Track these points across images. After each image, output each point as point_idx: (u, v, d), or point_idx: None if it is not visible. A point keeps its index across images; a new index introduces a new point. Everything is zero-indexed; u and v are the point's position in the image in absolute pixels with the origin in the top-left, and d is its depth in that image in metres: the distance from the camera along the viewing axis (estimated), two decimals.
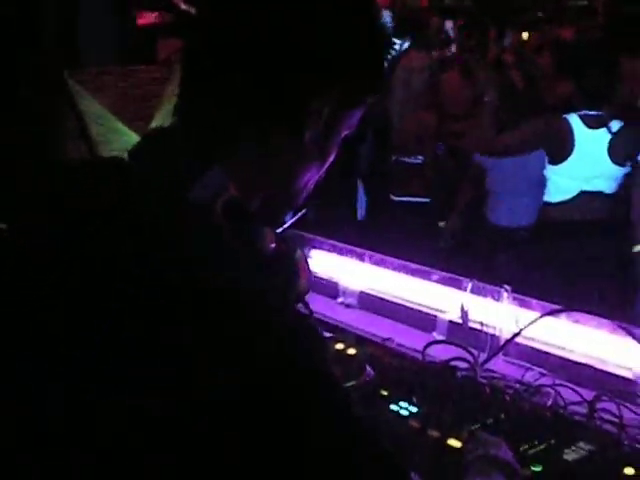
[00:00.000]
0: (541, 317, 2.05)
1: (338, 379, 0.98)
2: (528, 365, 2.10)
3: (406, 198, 4.99)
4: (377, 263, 2.59)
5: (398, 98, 5.36)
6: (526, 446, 1.64)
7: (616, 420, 1.80)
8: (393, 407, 1.80)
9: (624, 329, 1.95)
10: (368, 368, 1.97)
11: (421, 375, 1.98)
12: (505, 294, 2.15)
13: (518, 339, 2.13)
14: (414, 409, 1.79)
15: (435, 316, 2.43)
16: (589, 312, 2.02)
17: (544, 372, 2.05)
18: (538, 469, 1.55)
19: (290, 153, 1.09)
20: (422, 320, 2.47)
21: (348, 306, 2.71)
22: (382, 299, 2.60)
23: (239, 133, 1.05)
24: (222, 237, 0.99)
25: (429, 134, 4.90)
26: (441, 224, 4.75)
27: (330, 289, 2.78)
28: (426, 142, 4.93)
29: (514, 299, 2.17)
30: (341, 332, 2.39)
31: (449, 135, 4.75)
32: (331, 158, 1.15)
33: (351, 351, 2.12)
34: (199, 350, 0.86)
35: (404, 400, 1.83)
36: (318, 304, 2.71)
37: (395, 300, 2.55)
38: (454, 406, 1.79)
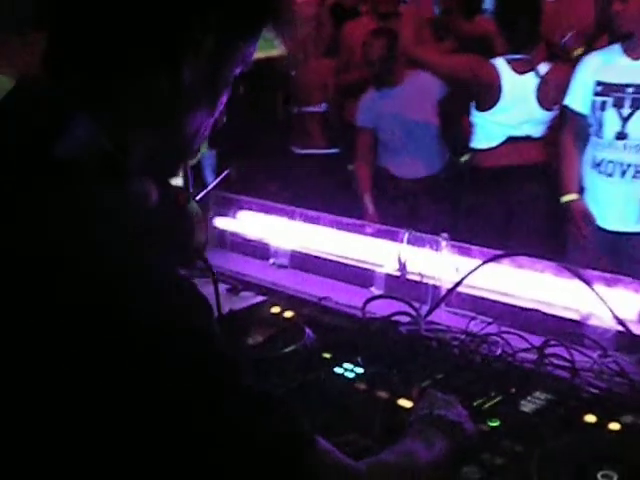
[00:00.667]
0: (484, 264, 1.96)
1: (225, 345, 0.92)
2: (472, 314, 2.01)
3: (310, 151, 4.87)
4: (309, 220, 2.47)
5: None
6: (480, 401, 1.55)
7: (568, 365, 1.73)
8: (337, 370, 1.69)
9: (570, 270, 1.87)
10: (307, 330, 1.85)
11: (363, 333, 1.88)
12: (444, 243, 2.05)
13: (460, 288, 2.04)
14: (360, 370, 1.69)
15: (372, 271, 2.33)
16: (532, 255, 1.94)
17: (489, 321, 1.96)
18: (495, 424, 1.46)
19: (171, 96, 0.95)
20: (359, 276, 2.37)
21: (280, 266, 2.59)
22: (316, 257, 2.49)
23: (110, 77, 0.92)
24: (88, 197, 0.87)
25: (330, 82, 4.79)
26: (350, 167, 4.64)
27: (261, 250, 2.66)
28: (328, 90, 4.80)
29: (453, 247, 2.08)
30: (275, 294, 2.27)
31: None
32: (222, 100, 1.03)
33: (287, 314, 2.00)
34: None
35: (348, 362, 1.72)
36: (249, 266, 2.60)
37: (329, 257, 2.44)
38: (401, 364, 1.69)
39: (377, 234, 2.27)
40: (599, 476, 1.28)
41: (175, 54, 0.92)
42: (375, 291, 2.30)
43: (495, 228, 3.70)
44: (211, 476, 0.86)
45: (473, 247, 2.03)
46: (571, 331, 1.88)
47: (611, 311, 1.78)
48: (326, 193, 4.45)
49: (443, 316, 2.05)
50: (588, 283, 1.81)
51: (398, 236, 2.18)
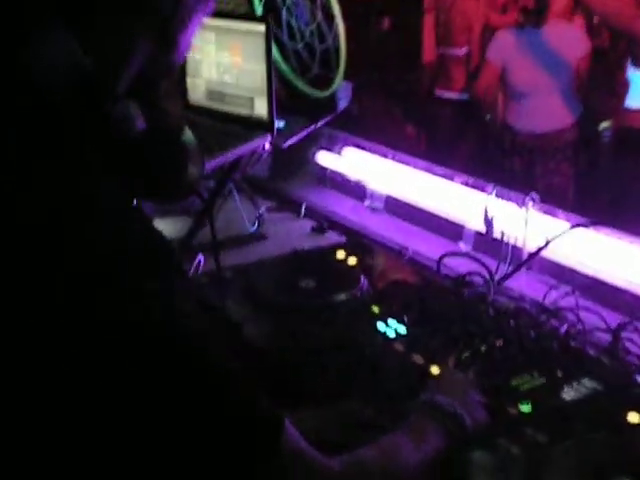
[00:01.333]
0: (571, 229, 1.78)
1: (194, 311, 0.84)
2: (553, 283, 1.83)
3: (451, 94, 4.63)
4: (402, 162, 2.33)
5: None
6: (519, 381, 1.40)
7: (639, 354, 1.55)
8: (380, 327, 1.59)
9: None
10: (363, 280, 1.75)
11: (423, 291, 1.75)
12: (530, 202, 1.87)
13: (545, 254, 1.87)
14: (402, 330, 1.57)
15: (463, 226, 2.18)
16: (621, 228, 1.73)
17: (567, 290, 1.78)
18: (526, 409, 1.32)
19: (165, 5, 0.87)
20: (450, 230, 2.22)
21: (375, 210, 2.48)
22: (410, 205, 2.36)
23: None
24: (56, 123, 0.79)
25: (477, 24, 4.52)
26: (488, 116, 4.38)
27: (358, 192, 2.55)
28: (473, 32, 4.54)
29: (542, 209, 1.90)
30: (357, 238, 2.17)
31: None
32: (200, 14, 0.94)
33: (352, 260, 1.90)
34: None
35: (394, 319, 1.61)
36: (344, 207, 2.51)
37: (422, 206, 2.30)
38: (449, 329, 1.56)
39: (467, 185, 2.10)
40: None
41: None
42: (463, 247, 2.16)
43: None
44: (161, 455, 0.80)
45: (561, 211, 1.84)
46: None
47: None
48: (461, 141, 4.26)
49: (522, 281, 1.89)
50: None
51: (486, 189, 2.01)
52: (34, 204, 0.74)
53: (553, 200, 1.91)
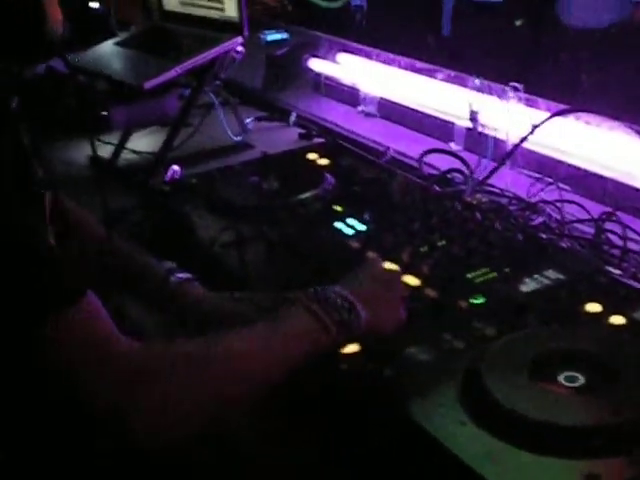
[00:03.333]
0: (550, 117, 1.65)
1: None
2: (538, 176, 1.72)
3: None
4: (387, 62, 2.21)
5: None
6: (476, 273, 1.30)
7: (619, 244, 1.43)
8: (338, 225, 1.50)
9: None
10: (328, 179, 1.66)
11: (392, 188, 1.64)
12: (511, 93, 1.74)
13: (528, 146, 1.74)
14: (361, 227, 1.48)
15: (453, 124, 2.06)
16: (604, 113, 1.59)
17: (555, 185, 1.66)
18: (478, 301, 1.22)
19: None
20: (440, 129, 2.11)
21: (368, 115, 2.37)
22: (403, 107, 2.24)
23: None
24: None
25: None
26: (517, 22, 4.14)
27: (352, 97, 2.44)
28: None
29: (525, 99, 1.76)
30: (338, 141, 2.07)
31: None
32: None
33: (322, 161, 1.80)
34: None
35: (356, 218, 1.51)
36: (336, 113, 2.41)
37: (412, 107, 2.18)
38: (411, 224, 1.46)
39: (449, 79, 1.98)
40: (561, 377, 1.02)
41: None
42: (454, 147, 2.04)
43: None
44: None
45: (542, 100, 1.71)
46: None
47: None
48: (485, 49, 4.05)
49: (507, 176, 1.78)
50: None
51: (468, 82, 1.89)
52: None
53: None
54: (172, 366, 0.87)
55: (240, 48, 2.00)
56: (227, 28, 2.00)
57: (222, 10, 2.01)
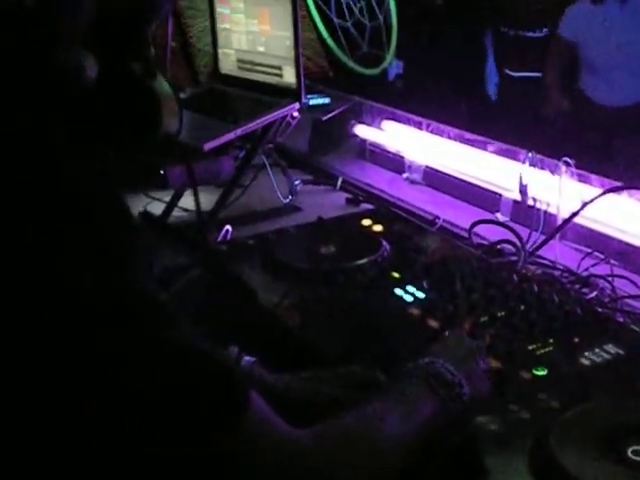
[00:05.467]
0: (602, 194, 1.69)
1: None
2: (588, 251, 1.76)
3: (525, 73, 4.45)
4: (436, 132, 2.27)
5: None
6: (538, 345, 1.33)
7: None
8: (397, 291, 1.53)
9: None
10: (385, 246, 1.70)
11: (447, 258, 1.68)
12: (564, 167, 1.79)
13: (578, 220, 1.78)
14: (421, 295, 1.52)
15: (500, 195, 2.11)
16: None
17: (604, 260, 1.70)
18: (541, 372, 1.25)
19: None
20: (487, 200, 2.15)
21: (413, 182, 2.42)
22: (448, 176, 2.29)
23: None
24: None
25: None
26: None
27: (397, 164, 2.50)
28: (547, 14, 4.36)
29: (577, 175, 1.81)
30: (387, 208, 2.12)
31: None
32: None
33: (377, 227, 1.85)
34: None
35: (414, 285, 1.55)
36: (381, 179, 2.47)
37: (459, 176, 2.23)
38: (469, 294, 1.50)
39: (500, 152, 2.03)
40: (630, 450, 1.05)
41: None
42: (500, 217, 2.08)
43: None
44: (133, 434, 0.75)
45: (595, 176, 1.76)
46: None
47: None
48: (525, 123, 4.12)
49: (557, 250, 1.81)
50: None
51: (519, 156, 1.94)
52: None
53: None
54: (342, 454, 0.90)
55: (296, 114, 2.07)
56: (284, 94, 2.06)
57: (280, 76, 2.08)
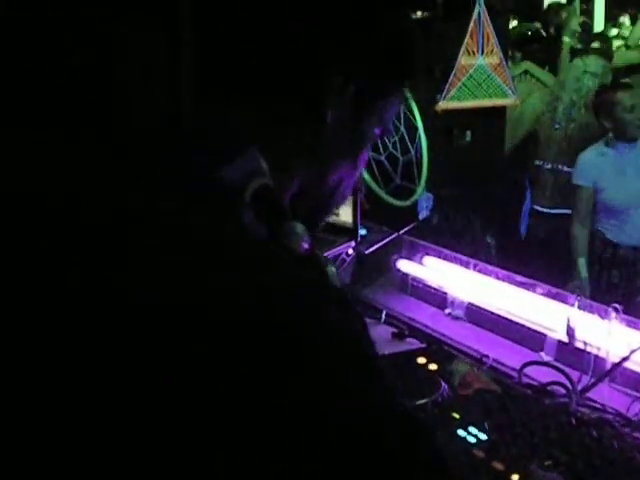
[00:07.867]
0: None
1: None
2: (637, 394, 1.82)
3: (560, 210, 4.56)
4: (483, 272, 2.36)
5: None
6: None
7: None
8: (460, 432, 1.59)
9: None
10: (444, 386, 1.77)
11: (504, 400, 1.75)
12: (614, 313, 1.88)
13: (628, 365, 1.86)
14: (483, 437, 1.58)
15: (545, 335, 2.18)
16: None
17: None
18: None
19: (312, 143, 0.90)
20: (531, 338, 2.23)
21: (455, 318, 2.50)
22: (491, 313, 2.37)
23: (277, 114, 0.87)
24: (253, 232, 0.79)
25: None
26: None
27: (439, 299, 2.58)
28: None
29: (624, 320, 1.90)
30: (437, 345, 2.20)
31: None
32: (364, 157, 0.95)
33: (432, 366, 1.92)
34: None
35: (475, 426, 1.61)
36: (424, 314, 2.54)
37: (503, 314, 2.32)
38: (530, 437, 1.56)
39: (548, 295, 2.12)
40: None
41: (319, 100, 0.88)
42: (544, 357, 2.16)
43: None
44: None
45: None
46: None
47: None
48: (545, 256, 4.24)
49: (604, 392, 1.88)
50: None
51: (568, 300, 2.03)
52: None
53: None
54: None
55: (350, 251, 2.17)
56: (340, 232, 2.17)
57: (337, 215, 2.19)
